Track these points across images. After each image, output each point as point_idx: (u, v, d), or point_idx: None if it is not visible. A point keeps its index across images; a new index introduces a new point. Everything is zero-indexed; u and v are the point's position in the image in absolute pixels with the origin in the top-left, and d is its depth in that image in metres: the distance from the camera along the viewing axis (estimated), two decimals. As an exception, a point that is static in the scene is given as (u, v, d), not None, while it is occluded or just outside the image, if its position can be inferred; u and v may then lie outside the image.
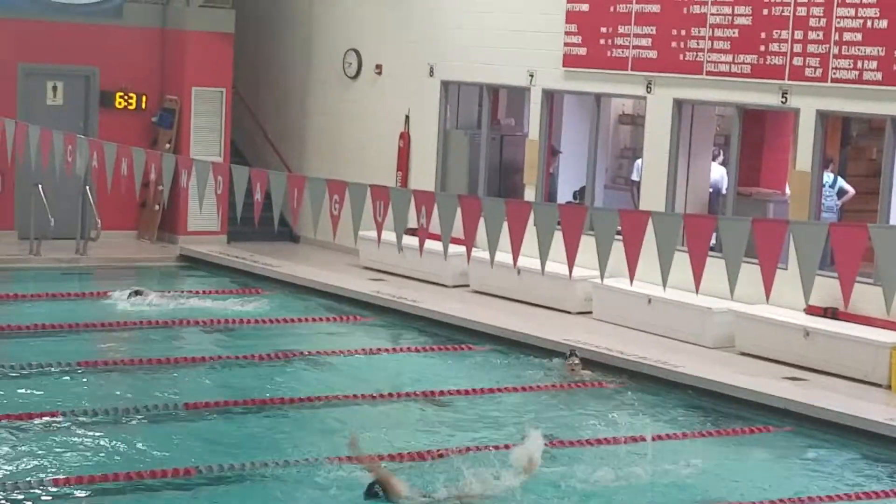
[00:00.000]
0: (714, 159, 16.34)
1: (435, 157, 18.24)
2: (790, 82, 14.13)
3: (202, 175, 10.99)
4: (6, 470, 9.26)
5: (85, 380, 12.13)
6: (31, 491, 8.87)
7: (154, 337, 14.06)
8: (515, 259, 8.97)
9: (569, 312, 15.34)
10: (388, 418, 11.34)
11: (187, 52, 19.39)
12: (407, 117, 18.58)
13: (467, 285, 16.55)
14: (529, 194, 16.70)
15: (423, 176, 18.22)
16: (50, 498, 8.80)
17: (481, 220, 9.04)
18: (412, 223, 9.56)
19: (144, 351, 13.28)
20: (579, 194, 16.83)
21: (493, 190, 17.55)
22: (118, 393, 11.67)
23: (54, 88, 19.16)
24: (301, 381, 12.37)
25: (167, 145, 19.02)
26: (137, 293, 15.45)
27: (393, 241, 9.97)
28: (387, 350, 13.96)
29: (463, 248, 9.44)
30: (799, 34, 14.02)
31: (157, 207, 19.33)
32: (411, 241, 10.54)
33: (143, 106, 19.50)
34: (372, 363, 13.33)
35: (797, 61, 14.05)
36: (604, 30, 15.88)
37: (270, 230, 17.29)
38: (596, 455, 10.55)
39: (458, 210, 9.16)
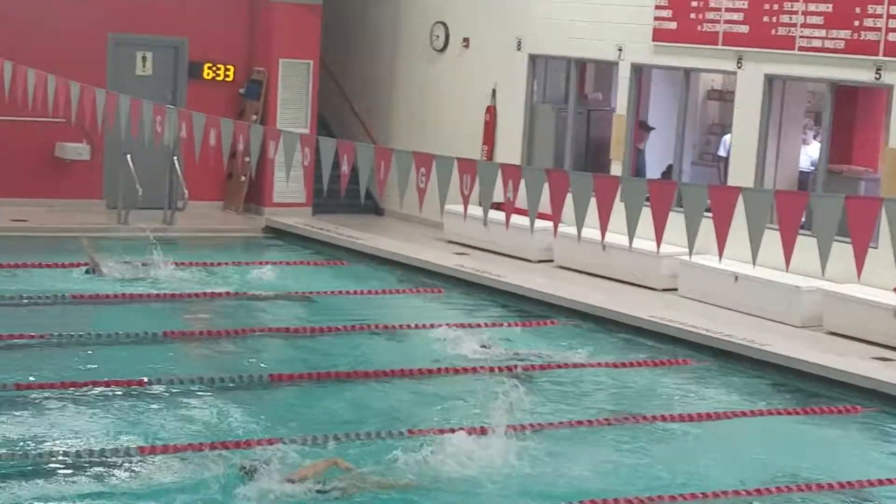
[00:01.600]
0: (815, 137, 16.10)
1: (521, 132, 18.16)
2: (884, 58, 13.88)
3: (289, 146, 11.01)
4: (96, 437, 9.36)
5: (172, 350, 12.24)
6: (118, 459, 8.96)
7: (236, 307, 14.15)
8: (603, 234, 8.89)
9: (653, 289, 15.23)
10: (469, 392, 11.32)
11: (275, 24, 19.45)
12: (494, 91, 18.51)
13: (551, 260, 16.49)
14: (616, 169, 16.58)
15: (509, 150, 18.16)
16: (138, 467, 8.87)
17: (568, 195, 8.98)
18: (498, 197, 9.51)
19: (228, 321, 13.38)
20: (667, 174, 16.67)
21: (580, 165, 17.45)
22: (203, 363, 11.77)
23: (144, 59, 19.32)
24: (382, 354, 12.38)
25: (254, 117, 19.12)
26: (92, 270, 14.90)
27: (478, 216, 9.92)
28: (469, 324, 13.93)
29: (547, 223, 9.39)
30: (894, 9, 13.76)
31: (243, 178, 19.45)
32: (496, 215, 10.53)
33: (231, 77, 19.61)
34: (454, 336, 13.29)
35: (892, 37, 13.79)
36: (695, 3, 15.68)
37: (355, 203, 17.28)
38: (681, 431, 10.49)
39: (546, 184, 9.10)
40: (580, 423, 10.53)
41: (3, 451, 8.87)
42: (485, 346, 12.47)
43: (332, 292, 14.86)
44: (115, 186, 18.34)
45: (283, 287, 15.01)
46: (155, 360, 11.66)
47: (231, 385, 11.01)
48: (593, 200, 8.81)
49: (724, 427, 10.77)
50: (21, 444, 9.07)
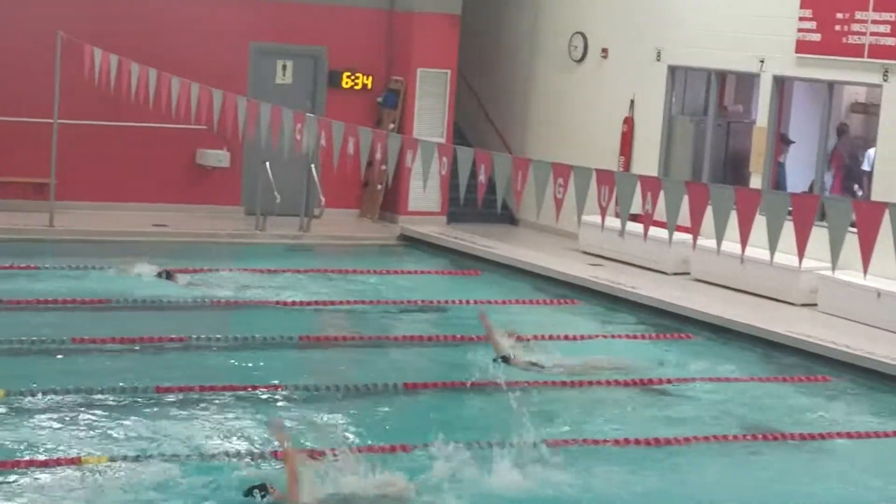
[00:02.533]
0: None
1: (659, 143, 18.00)
2: None
3: (427, 155, 11.04)
4: (230, 439, 9.46)
5: (303, 354, 12.33)
6: (246, 461, 9.04)
7: (369, 315, 14.21)
8: (743, 248, 8.76)
9: (792, 304, 14.97)
10: (600, 405, 11.23)
11: (414, 34, 19.56)
12: (632, 102, 18.38)
13: (687, 273, 16.31)
14: (755, 182, 16.33)
15: (646, 161, 18.00)
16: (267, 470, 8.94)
17: (707, 208, 8.86)
18: (635, 209, 9.43)
19: (362, 328, 13.44)
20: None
21: (717, 177, 17.22)
22: (341, 368, 11.85)
23: (284, 67, 19.56)
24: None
25: (391, 125, 19.23)
26: (168, 275, 14.77)
27: (613, 227, 9.84)
28: (602, 335, 13.83)
29: (685, 236, 9.28)
30: None
31: (379, 187, 19.57)
32: (633, 226, 10.44)
33: (369, 86, 19.76)
34: (587, 348, 13.21)
35: None
36: (840, 15, 15.39)
37: (489, 212, 17.37)
38: (821, 449, 10.30)
39: (685, 197, 8.99)
40: (714, 437, 10.38)
41: (183, 450, 8.96)
42: (618, 368, 12.24)
43: (466, 301, 14.86)
44: (254, 193, 18.59)
45: (417, 295, 15.05)
46: (289, 366, 11.78)
47: (365, 392, 11.05)
48: (732, 213, 8.68)
49: (866, 447, 10.53)
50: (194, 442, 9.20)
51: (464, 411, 10.82)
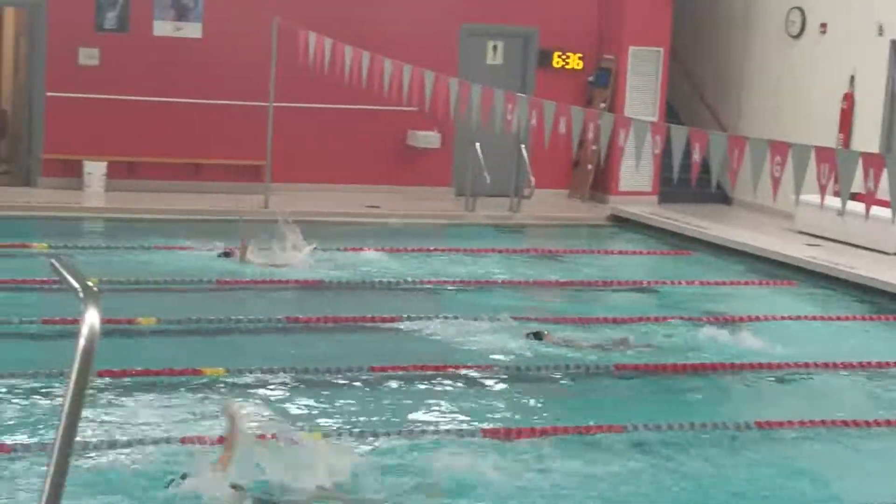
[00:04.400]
0: None
1: (880, 120, 17.42)
2: None
3: (640, 134, 10.89)
4: (440, 418, 9.48)
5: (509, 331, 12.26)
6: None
7: (579, 296, 14.10)
8: (972, 228, 8.40)
9: None
10: (819, 390, 10.92)
11: (626, 12, 19.34)
12: (852, 78, 17.83)
13: (911, 254, 15.77)
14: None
15: (867, 139, 17.45)
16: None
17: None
18: (856, 187, 9.12)
19: (571, 309, 13.33)
20: None
21: (942, 155, 16.61)
22: (545, 350, 11.77)
23: (494, 48, 19.57)
24: (728, 345, 12.07)
25: (602, 105, 19.07)
26: (227, 254, 14.25)
27: (832, 206, 9.54)
28: (821, 317, 13.45)
29: (910, 215, 8.94)
30: None
31: (589, 167, 19.44)
32: (853, 206, 10.11)
33: (580, 65, 19.62)
34: (805, 330, 12.87)
35: None
36: None
37: (702, 192, 17.07)
38: None
39: (910, 174, 8.66)
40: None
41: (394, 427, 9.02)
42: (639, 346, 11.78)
43: (679, 282, 14.64)
44: (464, 174, 18.66)
45: (628, 276, 14.90)
46: (500, 346, 11.74)
47: (577, 373, 10.94)
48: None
49: None
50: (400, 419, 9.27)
51: (673, 395, 10.63)
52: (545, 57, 19.55)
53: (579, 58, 19.61)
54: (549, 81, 19.28)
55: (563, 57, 19.57)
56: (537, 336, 11.56)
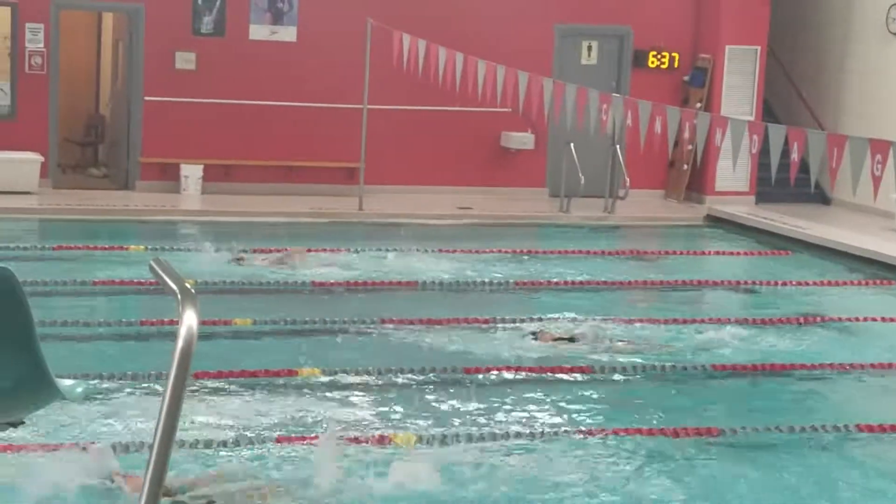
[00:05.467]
0: None
1: (983, 118, 17.11)
2: None
3: (737, 134, 10.76)
4: (529, 420, 9.43)
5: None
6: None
7: (676, 296, 13.97)
8: None
9: None
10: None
11: (722, 11, 19.14)
12: (954, 74, 17.52)
13: None
14: None
15: (969, 137, 17.11)
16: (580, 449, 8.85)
17: None
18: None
19: (666, 310, 13.22)
20: None
21: None
22: (639, 350, 11.66)
23: (588, 48, 19.47)
24: (828, 347, 11.89)
25: (698, 104, 18.90)
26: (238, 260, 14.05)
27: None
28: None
29: None
30: None
31: (685, 167, 19.27)
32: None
33: (675, 65, 19.46)
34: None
35: None
36: None
37: (800, 192, 16.87)
38: None
39: None
40: None
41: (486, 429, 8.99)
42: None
43: (777, 283, 14.44)
44: (558, 175, 18.58)
45: (725, 276, 14.73)
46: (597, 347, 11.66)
47: (672, 372, 10.83)
48: None
49: None
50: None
51: (773, 396, 10.48)
52: (640, 57, 19.41)
53: (675, 57, 19.44)
54: (644, 81, 19.13)
55: (659, 57, 19.42)
56: (533, 335, 11.38)
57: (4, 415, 3.06)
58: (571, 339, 11.38)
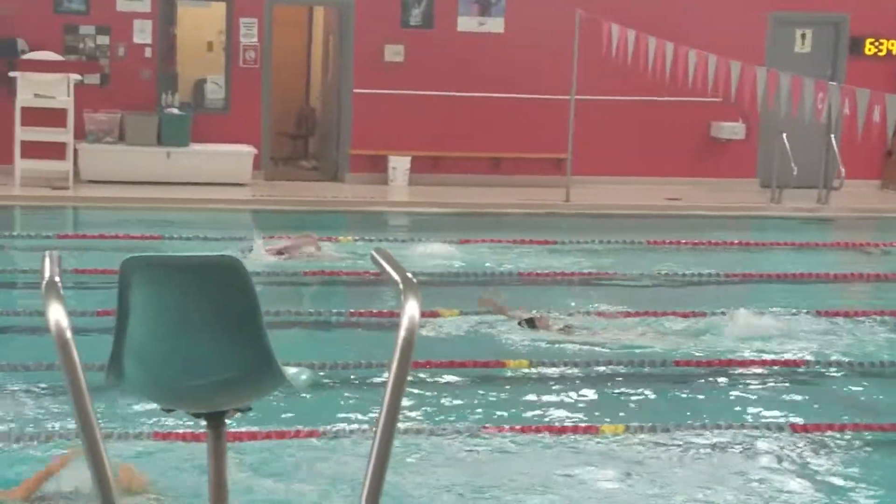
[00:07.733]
0: None
1: None
2: None
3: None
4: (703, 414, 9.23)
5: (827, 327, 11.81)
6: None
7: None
8: None
9: None
10: None
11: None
12: None
13: None
14: None
15: None
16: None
17: None
18: None
19: (882, 304, 12.78)
20: None
21: None
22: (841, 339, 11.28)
23: (803, 36, 19.01)
24: None
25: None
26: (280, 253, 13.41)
27: None
28: None
29: None
30: None
31: (903, 157, 18.69)
32: None
33: (894, 52, 18.87)
34: None
35: None
36: None
37: None
38: None
39: None
40: None
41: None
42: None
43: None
44: (769, 165, 18.20)
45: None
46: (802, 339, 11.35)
47: (868, 369, 10.45)
48: None
49: None
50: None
51: None
52: (857, 44, 18.87)
53: (893, 45, 18.84)
54: (861, 69, 18.59)
55: (876, 44, 18.85)
56: (530, 324, 10.80)
57: (235, 401, 3.10)
58: (531, 323, 10.76)
